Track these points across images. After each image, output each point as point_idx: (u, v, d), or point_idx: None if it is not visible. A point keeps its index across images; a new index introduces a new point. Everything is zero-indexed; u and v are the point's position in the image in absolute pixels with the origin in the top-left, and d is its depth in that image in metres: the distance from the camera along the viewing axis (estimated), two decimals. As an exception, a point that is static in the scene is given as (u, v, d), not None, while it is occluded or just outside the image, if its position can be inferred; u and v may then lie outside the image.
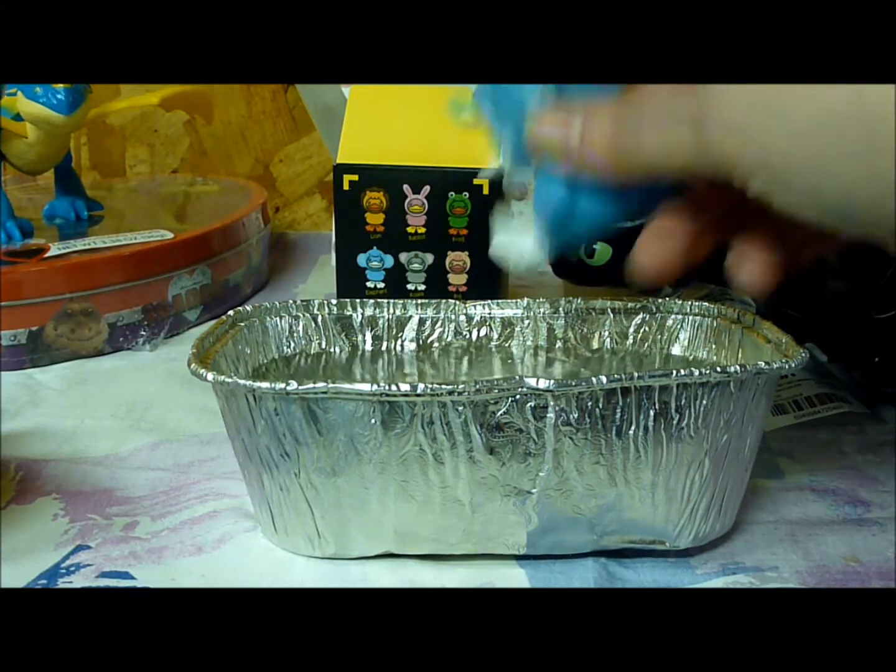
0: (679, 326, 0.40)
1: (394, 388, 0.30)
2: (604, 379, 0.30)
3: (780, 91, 0.23)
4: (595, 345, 0.41)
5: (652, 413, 0.31)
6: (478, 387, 0.30)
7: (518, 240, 0.32)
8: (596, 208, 0.29)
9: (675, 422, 0.31)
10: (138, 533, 0.36)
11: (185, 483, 0.40)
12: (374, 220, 0.48)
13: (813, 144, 0.23)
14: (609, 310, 0.41)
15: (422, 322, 0.41)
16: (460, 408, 0.30)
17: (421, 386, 0.30)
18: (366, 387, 0.30)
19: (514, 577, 0.33)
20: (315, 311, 0.40)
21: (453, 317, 0.41)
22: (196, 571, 0.34)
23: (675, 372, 0.30)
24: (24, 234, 0.59)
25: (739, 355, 0.37)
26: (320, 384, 0.30)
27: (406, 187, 0.47)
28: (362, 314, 0.40)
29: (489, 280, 0.48)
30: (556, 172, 0.28)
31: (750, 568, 0.33)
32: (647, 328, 0.40)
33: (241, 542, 0.35)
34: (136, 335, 0.56)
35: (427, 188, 0.47)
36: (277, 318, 0.39)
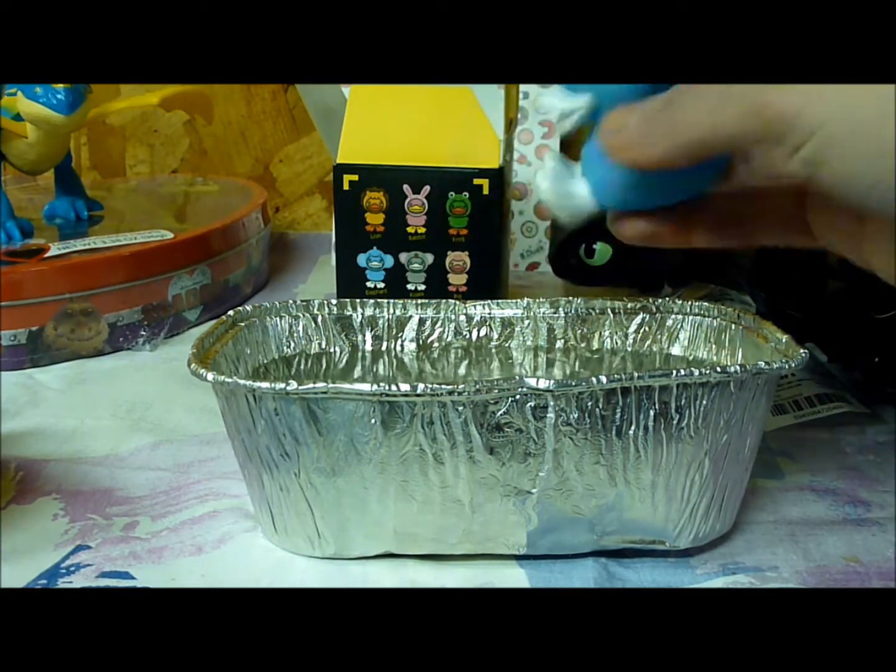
0: (679, 326, 0.40)
1: (394, 388, 0.30)
2: (604, 379, 0.30)
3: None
4: (595, 345, 0.41)
5: (652, 413, 0.31)
6: (478, 387, 0.30)
7: (567, 185, 0.30)
8: (649, 189, 0.29)
9: (675, 422, 0.31)
10: (138, 533, 0.36)
11: (185, 483, 0.40)
12: (374, 220, 0.48)
13: (874, 105, 0.22)
14: (609, 310, 0.41)
15: (422, 322, 0.41)
16: (460, 408, 0.30)
17: (421, 386, 0.30)
18: (366, 387, 0.30)
19: (514, 577, 0.33)
20: (315, 311, 0.40)
21: (453, 317, 0.41)
22: (196, 571, 0.34)
23: (675, 372, 0.30)
24: (24, 234, 0.59)
25: (739, 355, 0.37)
26: (320, 384, 0.30)
27: (406, 187, 0.47)
28: (362, 314, 0.40)
29: (489, 280, 0.48)
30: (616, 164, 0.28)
31: (750, 568, 0.33)
32: (647, 328, 0.40)
33: (241, 542, 0.35)
34: (136, 335, 0.56)
35: (427, 188, 0.47)
36: (277, 318, 0.39)
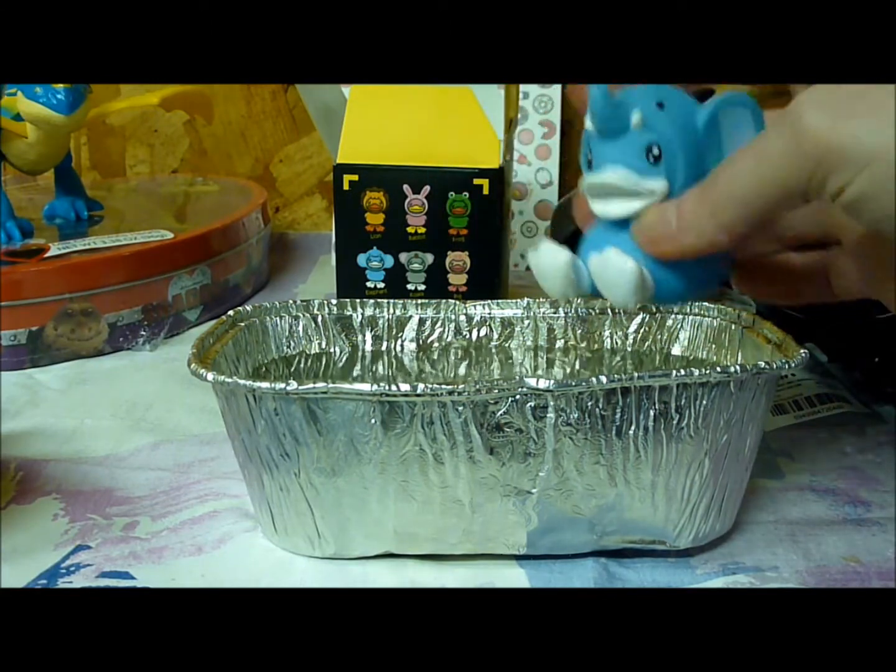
0: (679, 326, 0.40)
1: (394, 388, 0.30)
2: (604, 379, 0.30)
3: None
4: (595, 345, 0.41)
5: (652, 413, 0.31)
6: (478, 387, 0.30)
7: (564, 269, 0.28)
8: (674, 282, 0.27)
9: (675, 422, 0.31)
10: (138, 533, 0.36)
11: (185, 483, 0.40)
12: (374, 220, 0.48)
13: None
14: (609, 310, 0.41)
15: (422, 322, 0.41)
16: (460, 408, 0.30)
17: (421, 386, 0.30)
18: (366, 387, 0.30)
19: (514, 577, 0.33)
20: (315, 311, 0.40)
21: (453, 317, 0.41)
22: (196, 571, 0.34)
23: (675, 372, 0.30)
24: (24, 234, 0.59)
25: (739, 355, 0.37)
26: (320, 384, 0.30)
27: (406, 187, 0.47)
28: (362, 314, 0.40)
29: (489, 280, 0.48)
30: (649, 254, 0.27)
31: (750, 568, 0.33)
32: (647, 328, 0.40)
33: (241, 542, 0.35)
34: (136, 335, 0.56)
35: (427, 188, 0.47)
36: (277, 318, 0.39)
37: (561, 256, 0.28)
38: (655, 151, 0.26)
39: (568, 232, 0.53)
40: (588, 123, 0.27)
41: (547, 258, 0.28)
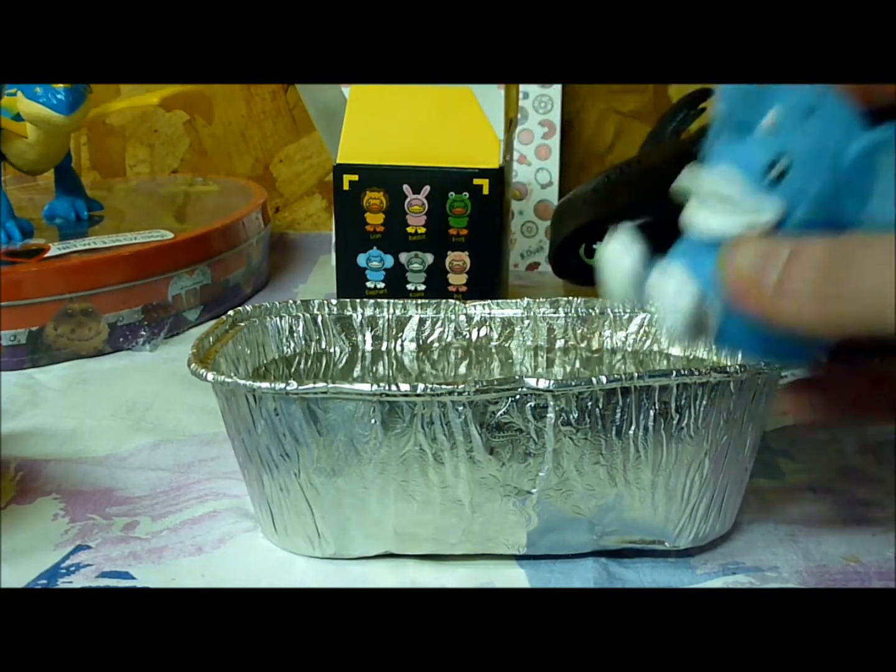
0: (679, 326, 0.40)
1: (394, 388, 0.30)
2: (604, 379, 0.30)
3: None
4: (595, 345, 0.41)
5: (652, 413, 0.31)
6: (478, 387, 0.30)
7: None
8: (742, 339, 0.23)
9: (675, 422, 0.31)
10: (138, 533, 0.36)
11: (185, 483, 0.40)
12: (374, 220, 0.48)
13: None
14: (609, 310, 0.41)
15: (422, 322, 0.41)
16: (460, 408, 0.30)
17: (421, 386, 0.30)
18: (366, 387, 0.30)
19: (514, 577, 0.33)
20: (315, 311, 0.40)
21: (453, 317, 0.41)
22: (196, 571, 0.34)
23: (675, 372, 0.30)
24: (24, 234, 0.59)
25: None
26: (320, 384, 0.30)
27: (406, 187, 0.47)
28: (362, 314, 0.40)
29: (489, 280, 0.48)
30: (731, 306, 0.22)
31: (750, 568, 0.33)
32: (647, 328, 0.40)
33: (241, 542, 0.35)
34: (136, 335, 0.56)
35: (427, 188, 0.47)
36: (277, 318, 0.39)
37: (627, 260, 0.23)
38: (781, 166, 0.21)
39: (568, 232, 0.53)
40: (716, 112, 0.22)
41: (612, 257, 0.23)
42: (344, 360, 0.40)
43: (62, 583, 0.33)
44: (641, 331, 0.40)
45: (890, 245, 0.19)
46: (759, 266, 0.21)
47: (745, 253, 0.21)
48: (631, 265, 0.23)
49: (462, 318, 0.41)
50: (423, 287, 0.49)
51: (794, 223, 0.21)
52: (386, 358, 0.40)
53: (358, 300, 0.40)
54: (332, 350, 0.40)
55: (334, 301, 0.40)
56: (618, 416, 0.31)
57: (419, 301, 0.40)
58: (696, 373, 0.30)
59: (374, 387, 0.30)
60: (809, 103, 0.21)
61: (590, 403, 0.30)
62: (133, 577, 0.33)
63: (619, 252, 0.23)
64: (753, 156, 0.21)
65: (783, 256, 0.20)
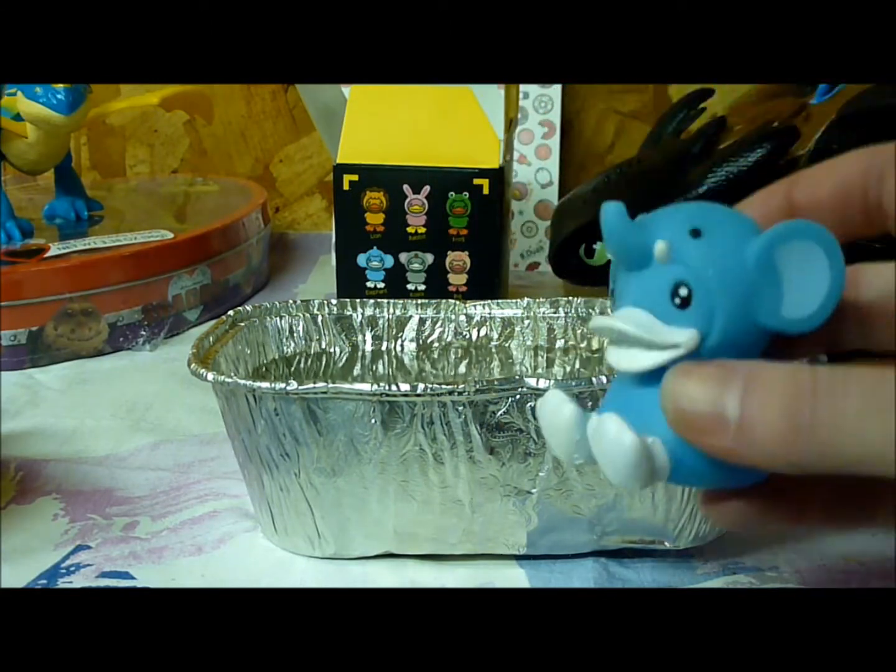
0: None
1: (394, 388, 0.30)
2: (604, 379, 0.30)
3: None
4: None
5: (652, 413, 0.31)
6: (478, 387, 0.30)
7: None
8: (701, 473, 0.21)
9: (675, 422, 0.31)
10: (138, 533, 0.36)
11: (185, 483, 0.40)
12: (374, 220, 0.48)
13: None
14: (609, 310, 0.41)
15: (422, 322, 0.41)
16: (460, 408, 0.30)
17: (421, 386, 0.30)
18: (366, 387, 0.30)
19: (514, 577, 0.33)
20: (315, 311, 0.40)
21: (453, 317, 0.41)
22: (196, 571, 0.34)
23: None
24: (24, 234, 0.59)
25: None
26: (320, 384, 0.30)
27: (406, 187, 0.47)
28: (362, 314, 0.40)
29: (489, 280, 0.48)
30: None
31: (750, 568, 0.33)
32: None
33: (241, 542, 0.35)
34: (136, 335, 0.56)
35: (427, 188, 0.47)
36: (277, 318, 0.39)
37: (565, 411, 0.21)
38: (683, 292, 0.20)
39: (568, 232, 0.53)
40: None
41: (549, 411, 0.22)
42: (344, 360, 0.40)
43: (62, 583, 0.33)
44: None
45: (863, 378, 0.18)
46: (714, 399, 0.19)
47: (688, 389, 0.19)
48: (567, 422, 0.21)
49: (462, 318, 0.41)
50: (423, 287, 0.49)
51: (713, 344, 0.20)
52: (386, 358, 0.40)
53: (358, 300, 0.40)
54: (332, 350, 0.40)
55: (334, 301, 0.40)
56: (618, 416, 0.31)
57: (419, 301, 0.40)
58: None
59: (374, 387, 0.30)
60: (695, 223, 0.20)
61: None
62: (133, 577, 0.33)
63: (556, 404, 0.22)
64: (653, 288, 0.20)
65: (738, 386, 0.19)
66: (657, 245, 0.20)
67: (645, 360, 0.20)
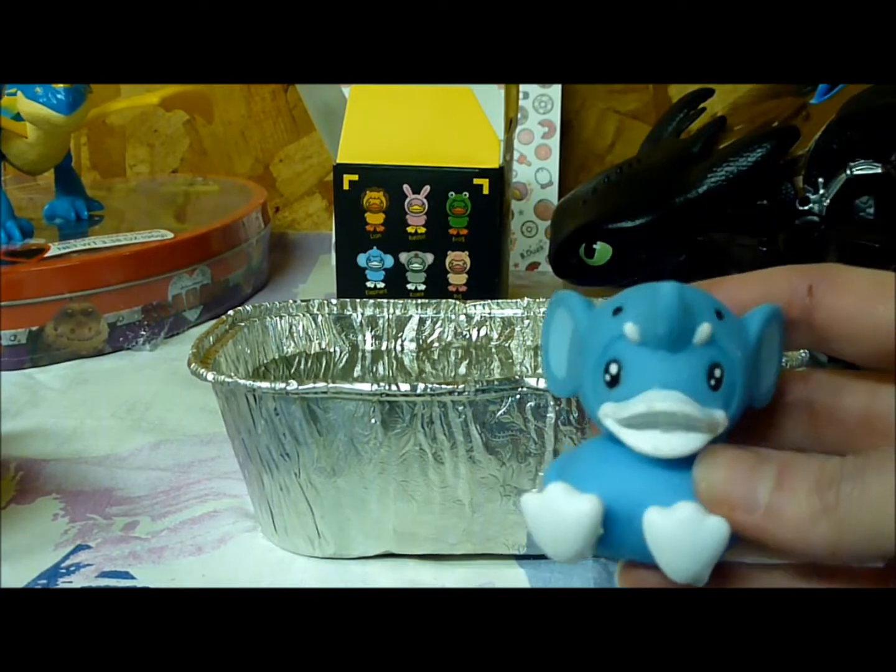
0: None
1: (394, 388, 0.30)
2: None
3: None
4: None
5: (652, 413, 0.31)
6: (478, 387, 0.30)
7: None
8: None
9: (675, 422, 0.31)
10: (138, 533, 0.36)
11: (185, 483, 0.40)
12: (374, 220, 0.48)
13: None
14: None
15: (422, 322, 0.41)
16: (460, 408, 0.30)
17: (421, 386, 0.30)
18: (366, 387, 0.30)
19: (514, 577, 0.33)
20: (315, 311, 0.40)
21: (453, 317, 0.41)
22: (196, 571, 0.34)
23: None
24: (24, 234, 0.59)
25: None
26: (320, 384, 0.30)
27: (406, 187, 0.47)
28: (362, 314, 0.40)
29: (489, 280, 0.48)
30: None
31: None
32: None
33: (241, 542, 0.35)
34: (136, 335, 0.56)
35: (427, 188, 0.47)
36: (277, 318, 0.39)
37: (584, 507, 0.20)
38: (717, 373, 0.20)
39: (568, 232, 0.53)
40: (627, 329, 0.20)
41: (558, 508, 0.21)
42: (344, 360, 0.40)
43: (62, 583, 0.33)
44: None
45: (882, 465, 0.18)
46: (743, 482, 0.20)
47: (727, 468, 0.20)
48: (589, 511, 0.21)
49: (462, 317, 0.41)
50: (423, 287, 0.49)
51: (731, 422, 0.21)
52: (386, 358, 0.40)
53: (358, 300, 0.40)
54: (332, 350, 0.40)
55: (334, 301, 0.40)
56: (618, 416, 0.31)
57: (419, 301, 0.40)
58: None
59: (374, 387, 0.30)
60: (716, 305, 0.21)
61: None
62: (133, 577, 0.33)
63: (570, 500, 0.21)
64: (690, 370, 0.20)
65: (772, 472, 0.20)
66: (702, 327, 0.20)
67: (693, 441, 0.20)
